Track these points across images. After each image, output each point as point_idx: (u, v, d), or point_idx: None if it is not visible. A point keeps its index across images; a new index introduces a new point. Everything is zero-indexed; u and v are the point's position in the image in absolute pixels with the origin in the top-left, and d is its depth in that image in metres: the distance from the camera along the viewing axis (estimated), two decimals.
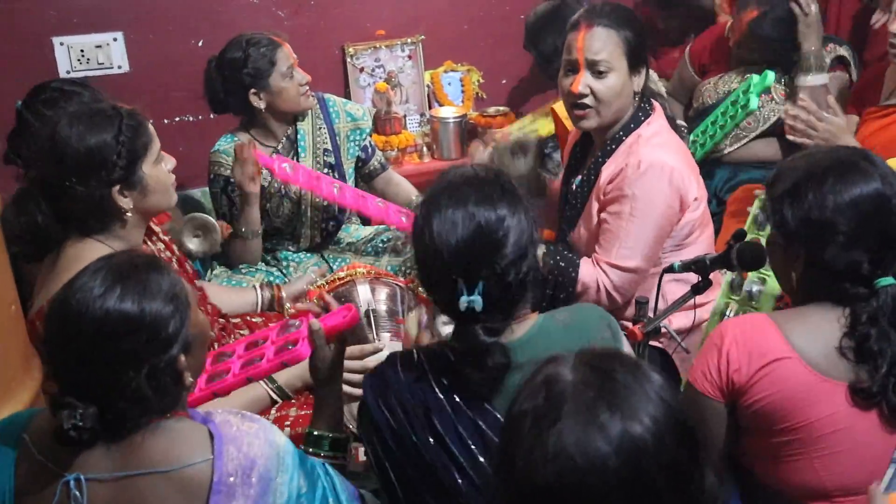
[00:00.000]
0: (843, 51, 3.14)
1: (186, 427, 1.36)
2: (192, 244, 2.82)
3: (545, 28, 3.34)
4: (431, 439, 1.50)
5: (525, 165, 3.09)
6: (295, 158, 2.90)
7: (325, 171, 2.94)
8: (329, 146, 2.95)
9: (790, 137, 2.53)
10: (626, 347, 1.64)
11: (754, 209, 2.30)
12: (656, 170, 2.17)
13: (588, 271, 2.23)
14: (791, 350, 1.56)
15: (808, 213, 1.57)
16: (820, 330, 1.58)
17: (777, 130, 3.12)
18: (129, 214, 1.93)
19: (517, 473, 1.08)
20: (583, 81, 2.23)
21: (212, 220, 2.83)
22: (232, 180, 2.79)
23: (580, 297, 2.23)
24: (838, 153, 1.66)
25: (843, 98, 3.01)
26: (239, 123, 2.93)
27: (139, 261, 1.39)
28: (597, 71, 2.22)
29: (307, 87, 2.84)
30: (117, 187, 1.90)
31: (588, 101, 2.24)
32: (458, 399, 1.51)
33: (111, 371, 1.30)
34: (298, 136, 2.92)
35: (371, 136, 3.08)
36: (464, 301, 1.44)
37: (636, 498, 1.04)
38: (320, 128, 2.95)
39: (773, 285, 2.15)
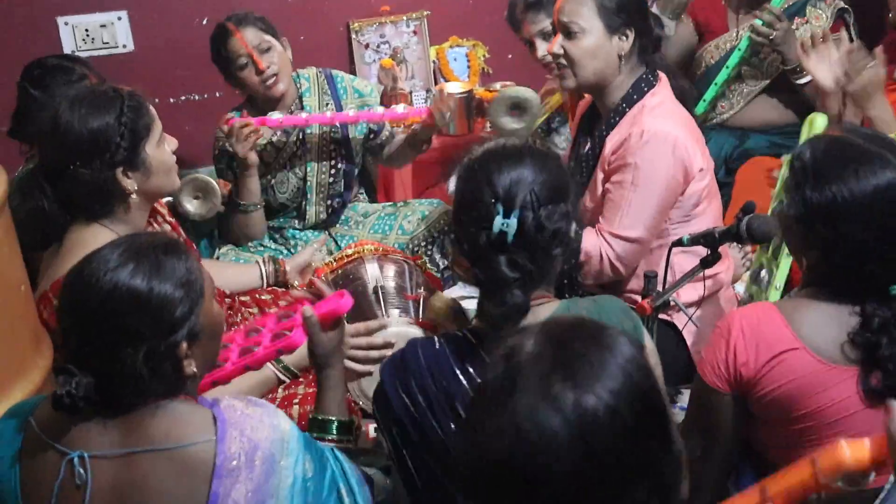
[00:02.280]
0: (843, 3, 3.10)
1: (190, 409, 1.36)
2: (192, 206, 2.74)
3: None
4: (454, 425, 1.49)
5: (520, 124, 3.01)
6: (301, 134, 2.89)
7: (332, 146, 2.93)
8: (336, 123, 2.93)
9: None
10: (648, 341, 1.62)
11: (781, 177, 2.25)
12: (659, 139, 2.16)
13: (591, 241, 2.22)
14: (798, 341, 1.54)
15: (831, 202, 1.51)
16: (829, 319, 1.55)
17: (783, 87, 3.09)
18: (133, 197, 1.93)
19: (474, 448, 1.05)
20: (557, 43, 2.29)
21: (212, 181, 2.76)
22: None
23: (583, 266, 2.22)
24: (870, 142, 1.57)
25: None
26: (244, 100, 2.92)
27: (160, 241, 1.39)
28: (569, 32, 2.26)
29: None
30: (121, 169, 1.90)
31: (563, 60, 2.29)
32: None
33: (110, 345, 1.30)
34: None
35: None
36: (499, 222, 1.47)
37: (591, 471, 1.01)
38: (327, 104, 2.93)
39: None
